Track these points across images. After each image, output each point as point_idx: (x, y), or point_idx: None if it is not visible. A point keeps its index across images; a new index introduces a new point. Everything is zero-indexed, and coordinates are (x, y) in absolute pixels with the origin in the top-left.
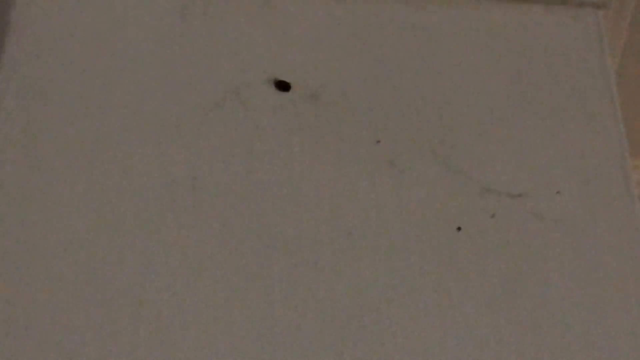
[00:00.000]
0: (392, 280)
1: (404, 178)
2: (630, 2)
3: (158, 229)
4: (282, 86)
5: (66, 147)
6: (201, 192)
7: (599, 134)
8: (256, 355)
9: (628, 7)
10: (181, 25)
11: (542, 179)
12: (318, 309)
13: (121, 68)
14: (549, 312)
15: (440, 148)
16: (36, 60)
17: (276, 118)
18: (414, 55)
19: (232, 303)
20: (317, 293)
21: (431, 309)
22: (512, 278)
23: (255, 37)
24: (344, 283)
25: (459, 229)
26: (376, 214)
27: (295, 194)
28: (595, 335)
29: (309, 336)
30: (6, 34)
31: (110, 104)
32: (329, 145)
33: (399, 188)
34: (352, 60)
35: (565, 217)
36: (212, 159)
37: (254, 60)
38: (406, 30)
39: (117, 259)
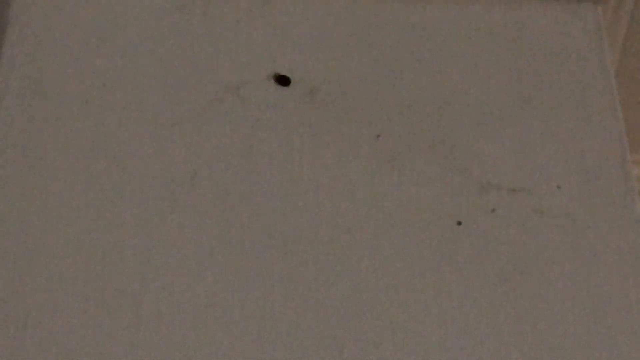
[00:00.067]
0: (392, 276)
1: (404, 173)
2: None
3: (157, 225)
4: (282, 81)
5: (65, 143)
6: (200, 188)
7: (598, 129)
8: (255, 351)
9: (627, 2)
10: (180, 22)
11: (542, 174)
12: (317, 305)
13: (120, 65)
14: (549, 307)
15: (440, 143)
16: (35, 57)
17: (276, 114)
18: (414, 51)
19: (231, 299)
20: (316, 289)
21: (431, 304)
22: (512, 273)
23: (254, 34)
24: (343, 279)
25: (459, 224)
26: (376, 210)
27: (294, 190)
28: (595, 330)
29: (309, 331)
30: (4, 30)
31: (109, 101)
32: (329, 141)
33: (399, 183)
34: (352, 56)
35: (565, 212)
36: (211, 156)
37: (253, 56)
38: (406, 26)
39: (116, 255)
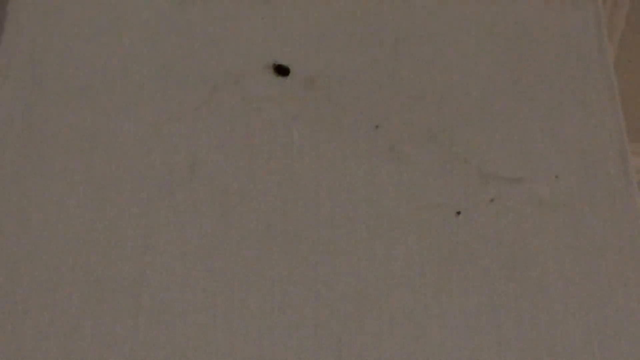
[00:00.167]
0: (391, 265)
1: (403, 164)
2: None
3: (156, 215)
4: (281, 70)
5: (64, 133)
6: (199, 178)
7: (597, 119)
8: (256, 342)
9: None
10: (180, 12)
11: (540, 164)
12: (318, 294)
13: (119, 56)
14: (547, 295)
15: (439, 133)
16: (33, 46)
17: (275, 104)
18: (413, 42)
19: (230, 289)
20: (316, 278)
21: (430, 293)
22: (510, 262)
23: (253, 24)
24: (343, 268)
25: (458, 213)
26: (375, 199)
27: (293, 180)
28: (593, 318)
29: (309, 321)
30: (3, 22)
31: (108, 93)
32: (328, 131)
33: (398, 173)
34: (351, 47)
35: (563, 201)
36: (210, 146)
37: (252, 47)
38: (405, 17)
39: (115, 245)
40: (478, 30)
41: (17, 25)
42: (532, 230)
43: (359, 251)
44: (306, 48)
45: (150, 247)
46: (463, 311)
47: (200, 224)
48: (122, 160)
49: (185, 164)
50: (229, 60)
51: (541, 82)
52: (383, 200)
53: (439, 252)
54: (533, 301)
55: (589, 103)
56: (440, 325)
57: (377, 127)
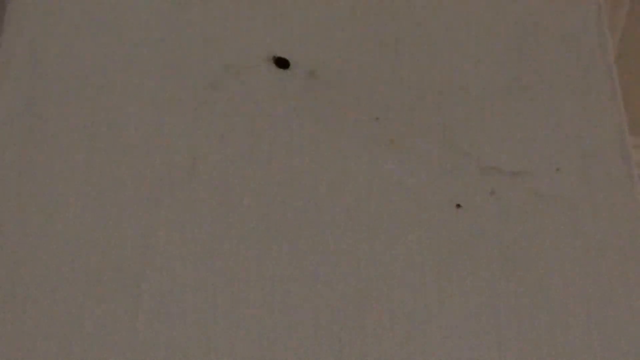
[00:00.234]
0: (391, 258)
1: (403, 156)
2: None
3: (157, 209)
4: (281, 63)
5: (65, 128)
6: (200, 171)
7: (598, 112)
8: (255, 338)
9: None
10: (179, 6)
11: (541, 156)
12: (318, 288)
13: (119, 51)
14: (548, 289)
15: (439, 126)
16: (34, 39)
17: (275, 96)
18: (413, 33)
19: (230, 285)
20: (317, 271)
21: (430, 286)
22: (511, 255)
23: (254, 17)
24: (343, 261)
25: (458, 206)
26: (375, 192)
27: (294, 172)
28: (593, 312)
29: (309, 314)
30: (4, 13)
31: (108, 88)
32: (328, 123)
33: (399, 165)
34: (351, 39)
35: (564, 194)
36: (211, 139)
37: (252, 39)
38: (405, 9)
39: (115, 239)
40: (479, 24)
41: (17, 21)
42: (532, 223)
43: (359, 244)
44: (306, 41)
45: (150, 244)
46: (463, 304)
47: (201, 219)
48: (123, 156)
49: (186, 158)
50: (229, 53)
51: (542, 75)
52: (383, 193)
53: (440, 244)
54: (533, 294)
55: (590, 96)
56: (440, 319)
57: (377, 119)
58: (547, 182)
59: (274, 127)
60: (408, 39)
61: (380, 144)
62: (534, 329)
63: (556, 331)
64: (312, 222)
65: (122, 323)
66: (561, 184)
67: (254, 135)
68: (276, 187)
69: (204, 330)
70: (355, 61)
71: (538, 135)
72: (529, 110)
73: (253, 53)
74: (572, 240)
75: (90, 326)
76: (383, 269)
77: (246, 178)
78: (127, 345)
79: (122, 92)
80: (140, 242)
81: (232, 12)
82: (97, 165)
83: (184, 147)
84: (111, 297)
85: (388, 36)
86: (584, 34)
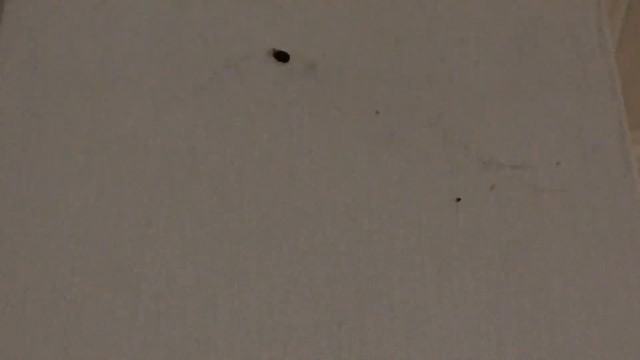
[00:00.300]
0: (391, 251)
1: (403, 150)
2: None
3: (157, 199)
4: (281, 57)
5: (66, 119)
6: (200, 164)
7: (598, 107)
8: (256, 335)
9: None
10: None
11: (541, 150)
12: (317, 281)
13: (119, 45)
14: (547, 282)
15: (439, 119)
16: (33, 32)
17: (275, 90)
18: (414, 27)
19: (230, 281)
20: (316, 265)
21: (430, 279)
22: (510, 248)
23: (254, 11)
24: (342, 255)
25: (458, 200)
26: (375, 186)
27: (293, 166)
28: (592, 303)
29: (308, 307)
30: (3, 6)
31: (108, 79)
32: (328, 117)
33: (398, 159)
34: (351, 33)
35: (564, 188)
36: (211, 131)
37: (252, 33)
38: (406, 4)
39: (116, 229)
40: (478, 18)
41: (15, 17)
42: (532, 216)
43: (358, 237)
44: (306, 34)
45: (150, 231)
46: (463, 297)
47: (201, 215)
48: (122, 147)
49: (186, 150)
50: (229, 47)
51: (543, 70)
52: (383, 187)
53: (440, 238)
54: (533, 288)
55: (589, 91)
56: (440, 313)
57: (377, 113)
58: (547, 176)
59: (273, 121)
60: (408, 32)
61: (380, 138)
62: (534, 320)
63: (555, 322)
64: (311, 215)
65: (121, 312)
66: (561, 178)
67: (254, 130)
68: (276, 182)
69: (202, 318)
70: (356, 55)
71: (538, 129)
72: (529, 105)
73: (253, 46)
74: (571, 233)
75: (89, 314)
76: (383, 262)
77: (246, 173)
78: (127, 335)
79: (122, 83)
80: (139, 232)
81: (231, 7)
82: (97, 162)
83: (183, 137)
84: (111, 296)
85: (388, 31)
86: (583, 28)
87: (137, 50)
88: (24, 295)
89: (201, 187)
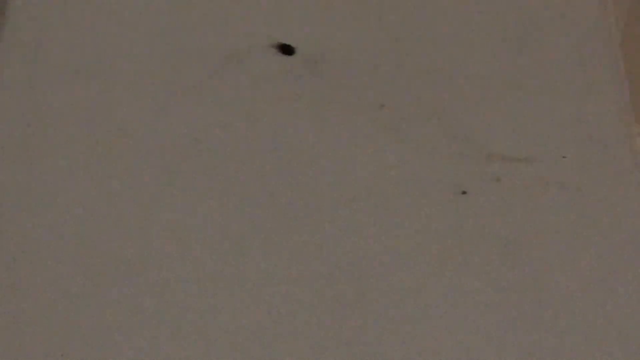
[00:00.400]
0: (396, 244)
1: (408, 143)
2: None
3: (160, 192)
4: (286, 50)
5: (67, 110)
6: (203, 158)
7: (604, 99)
8: (255, 334)
9: None
10: None
11: (547, 143)
12: (320, 274)
13: (121, 35)
14: (552, 276)
15: (445, 112)
16: (35, 25)
17: (279, 82)
18: (418, 20)
19: (232, 266)
20: (319, 258)
21: (435, 273)
22: (516, 242)
23: (258, 3)
24: (346, 248)
25: (463, 193)
26: (380, 179)
27: (297, 159)
28: (597, 299)
29: (310, 299)
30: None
31: (110, 71)
32: (332, 110)
33: (403, 153)
34: (356, 26)
35: (570, 181)
36: (214, 123)
37: (256, 24)
38: None
39: (117, 224)
40: (482, 9)
41: (19, 8)
42: (538, 209)
43: (363, 230)
44: (311, 27)
45: (153, 224)
46: (467, 290)
47: (203, 200)
48: (124, 140)
49: (189, 143)
50: (233, 39)
51: (547, 61)
52: (388, 180)
53: (444, 231)
54: (538, 281)
55: (595, 83)
56: (443, 305)
57: (382, 106)
58: (553, 169)
59: (276, 114)
60: (413, 26)
61: (385, 131)
62: (538, 316)
63: (559, 317)
64: (314, 208)
65: (124, 304)
66: (567, 171)
67: (257, 123)
68: (279, 174)
69: (205, 308)
70: (360, 48)
71: (543, 122)
72: (535, 98)
73: (257, 38)
74: (577, 226)
75: (92, 306)
76: (387, 256)
77: (248, 162)
78: (131, 324)
79: (125, 75)
80: (142, 223)
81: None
82: (99, 147)
83: (186, 130)
84: (113, 277)
85: (393, 24)
86: (588, 19)
87: (139, 43)
88: (24, 293)
89: (204, 180)
